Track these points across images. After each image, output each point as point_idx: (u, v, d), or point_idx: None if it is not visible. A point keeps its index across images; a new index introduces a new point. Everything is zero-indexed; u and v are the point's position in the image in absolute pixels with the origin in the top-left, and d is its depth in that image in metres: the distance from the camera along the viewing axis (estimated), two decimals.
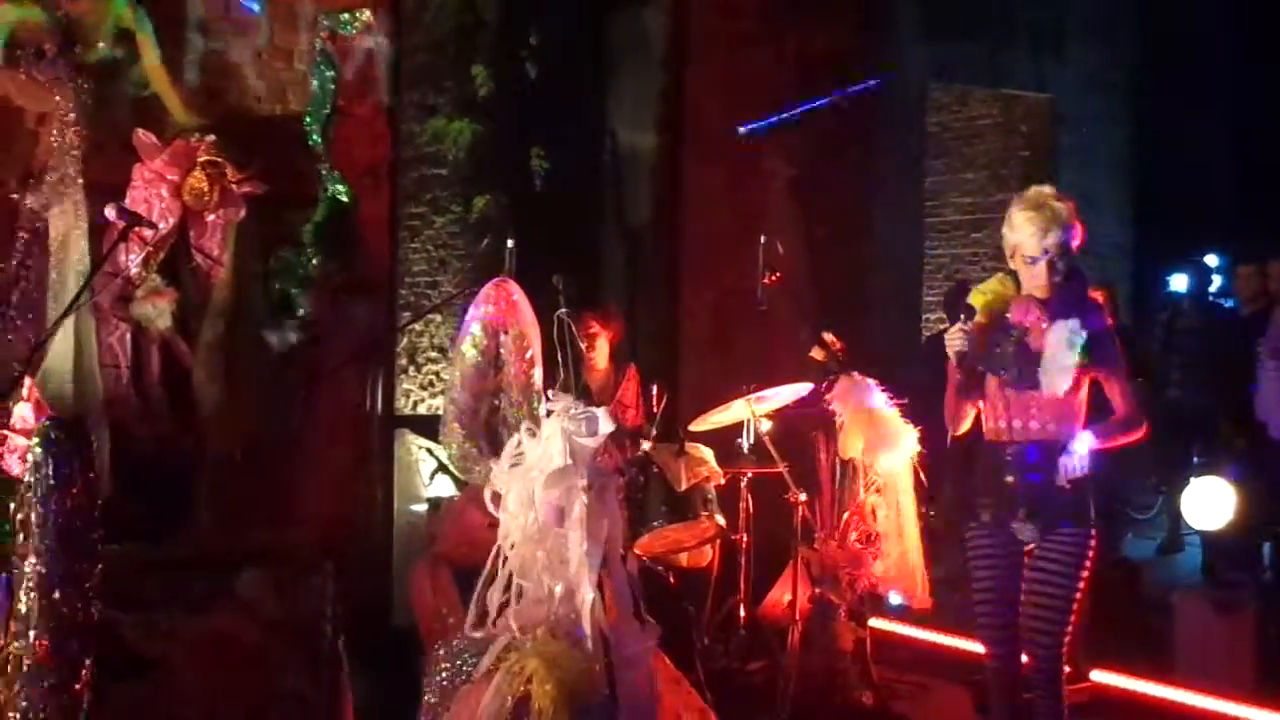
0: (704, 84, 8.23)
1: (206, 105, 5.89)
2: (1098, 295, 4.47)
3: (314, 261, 6.03)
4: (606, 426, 3.71)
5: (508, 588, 3.75)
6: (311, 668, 4.28)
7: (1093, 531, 4.35)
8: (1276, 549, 7.25)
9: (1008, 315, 4.40)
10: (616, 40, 8.46)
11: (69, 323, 5.15)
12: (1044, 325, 4.31)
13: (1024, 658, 4.51)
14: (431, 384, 8.04)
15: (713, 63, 8.23)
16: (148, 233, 5.34)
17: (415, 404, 8.10)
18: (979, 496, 4.48)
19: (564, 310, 3.99)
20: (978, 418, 4.53)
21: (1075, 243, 4.34)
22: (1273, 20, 11.62)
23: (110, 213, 4.62)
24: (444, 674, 3.96)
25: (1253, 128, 12.26)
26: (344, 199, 6.09)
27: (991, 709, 4.62)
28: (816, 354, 6.25)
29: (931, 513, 6.21)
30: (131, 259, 5.47)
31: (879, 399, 6.00)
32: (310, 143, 6.06)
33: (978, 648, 6.19)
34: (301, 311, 6.03)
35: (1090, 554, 4.35)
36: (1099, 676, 5.99)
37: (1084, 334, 4.23)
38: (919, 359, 8.69)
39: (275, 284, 6.02)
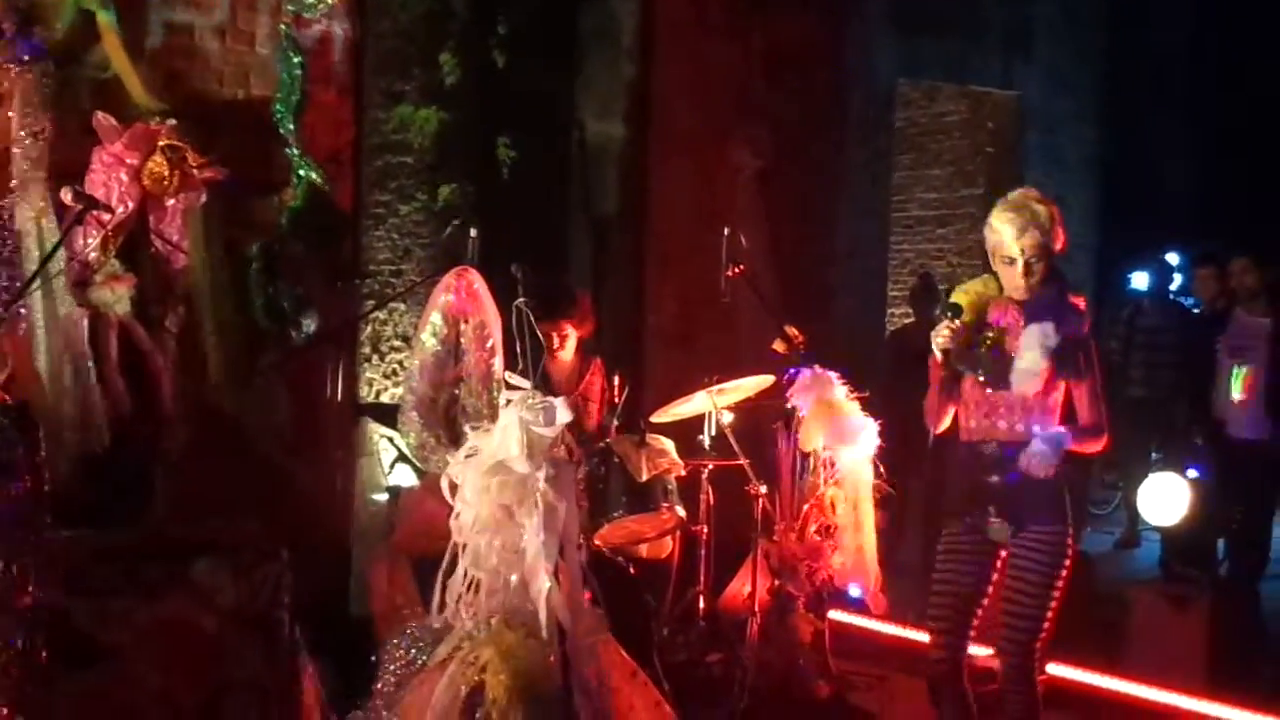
0: (671, 76, 8.22)
1: (167, 88, 5.85)
2: (1079, 300, 4.47)
3: (294, 248, 6.01)
4: (564, 416, 3.71)
5: (465, 578, 3.75)
6: (268, 656, 4.25)
7: (1069, 530, 4.36)
8: (1231, 545, 7.31)
9: (987, 316, 4.43)
10: (585, 31, 8.43)
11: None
12: (1021, 327, 4.34)
13: (994, 654, 4.53)
14: (394, 373, 7.98)
15: (680, 55, 8.22)
16: (105, 217, 5.30)
17: (378, 393, 8.06)
18: (953, 496, 4.49)
19: (522, 300, 3.98)
20: (957, 416, 4.54)
21: (1056, 246, 4.35)
22: (1237, 22, 11.73)
23: (66, 196, 4.59)
24: (399, 662, 3.96)
25: (1215, 127, 12.38)
26: (321, 184, 6.06)
27: (940, 701, 4.63)
28: (779, 347, 6.27)
29: (892, 489, 6.23)
30: (89, 243, 5.42)
31: (840, 392, 6.02)
32: (283, 130, 6.03)
33: None
34: (291, 301, 6.00)
35: (1068, 552, 4.36)
36: (1054, 670, 6.02)
37: (1057, 338, 4.25)
38: (882, 354, 8.74)
39: (259, 272, 5.98)
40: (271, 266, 5.97)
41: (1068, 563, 4.36)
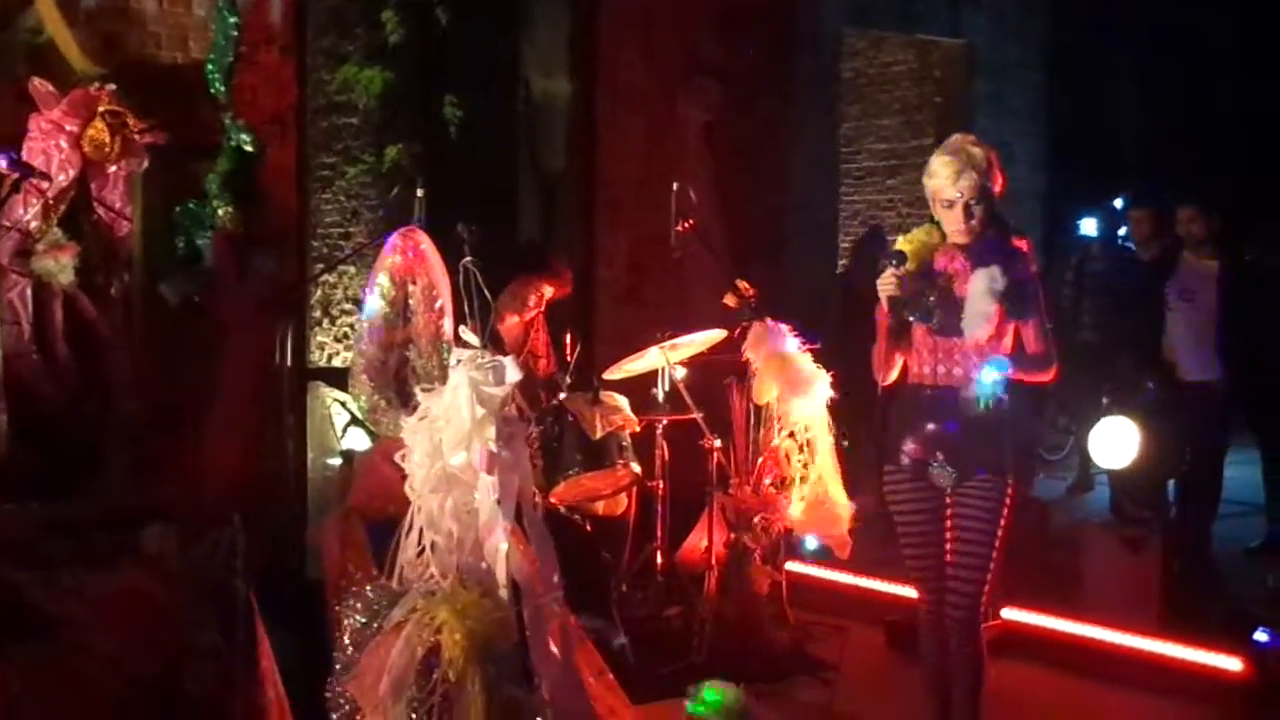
0: (617, 31, 8.17)
1: (105, 52, 5.75)
2: (1023, 243, 4.48)
3: (219, 212, 5.94)
4: (514, 375, 3.70)
5: (419, 540, 3.74)
6: (224, 622, 4.23)
7: (1009, 480, 4.38)
8: (1181, 487, 7.38)
9: (933, 264, 4.43)
10: None
11: None
12: (968, 272, 4.34)
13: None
14: (346, 336, 7.97)
15: (626, 8, 8.17)
16: (44, 185, 5.22)
17: (330, 357, 8.03)
18: (898, 441, 4.49)
19: (469, 259, 3.96)
20: (905, 366, 4.54)
21: (995, 189, 4.35)
22: None
23: (1, 163, 4.51)
24: (360, 623, 3.94)
25: (1163, 75, 12.44)
26: (249, 148, 5.99)
27: (921, 653, 4.65)
28: (730, 300, 6.28)
29: (846, 443, 6.26)
30: (29, 212, 5.34)
31: (792, 344, 6.05)
32: (213, 91, 5.94)
33: (892, 589, 6.32)
34: (204, 263, 5.94)
35: (1008, 501, 4.37)
36: (1009, 614, 6.09)
37: (1004, 281, 4.25)
38: (833, 305, 8.77)
39: (181, 235, 5.92)
40: (196, 230, 5.90)
41: (1006, 511, 4.37)
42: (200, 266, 5.90)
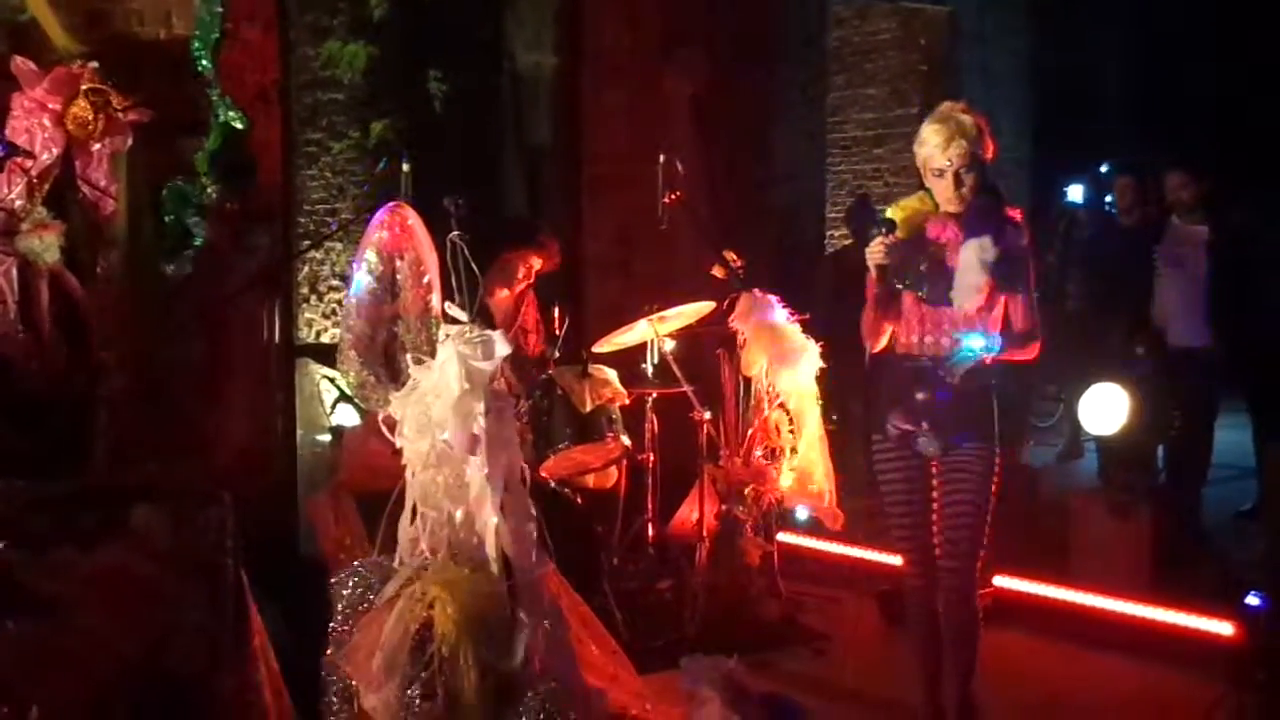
0: (601, 2, 8.14)
1: (87, 30, 5.72)
2: (1016, 213, 4.47)
3: (209, 190, 5.91)
4: (503, 350, 3.69)
5: (414, 516, 3.74)
6: (213, 601, 4.22)
7: (996, 448, 4.39)
8: (1170, 452, 7.40)
9: (924, 232, 4.41)
10: None
11: None
12: (960, 241, 4.33)
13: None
14: (334, 312, 7.92)
15: None
16: (28, 163, 5.18)
17: (318, 333, 8.00)
18: (886, 410, 4.49)
19: (456, 233, 3.94)
20: (893, 335, 4.53)
21: (986, 156, 4.34)
22: None
23: None
24: (353, 599, 3.94)
25: (1148, 41, 12.42)
26: (238, 125, 5.96)
27: (910, 622, 4.67)
28: (718, 272, 6.28)
29: (834, 418, 6.27)
30: (14, 190, 5.31)
31: (780, 315, 6.05)
32: (199, 69, 5.91)
33: (884, 559, 6.33)
34: (199, 241, 5.92)
35: (996, 469, 4.39)
36: (1000, 581, 6.10)
37: (995, 251, 4.25)
38: (821, 275, 8.76)
39: (169, 214, 5.90)
40: (185, 208, 5.88)
41: (996, 478, 4.39)
42: (197, 245, 5.88)
